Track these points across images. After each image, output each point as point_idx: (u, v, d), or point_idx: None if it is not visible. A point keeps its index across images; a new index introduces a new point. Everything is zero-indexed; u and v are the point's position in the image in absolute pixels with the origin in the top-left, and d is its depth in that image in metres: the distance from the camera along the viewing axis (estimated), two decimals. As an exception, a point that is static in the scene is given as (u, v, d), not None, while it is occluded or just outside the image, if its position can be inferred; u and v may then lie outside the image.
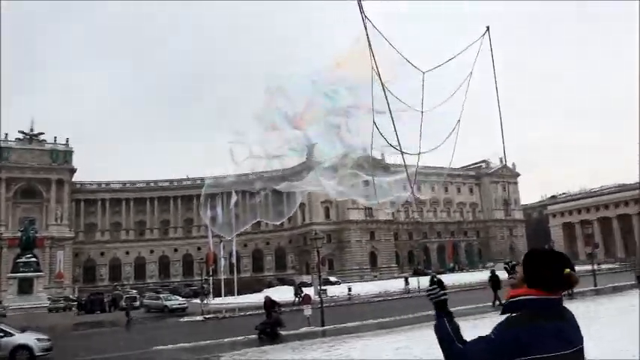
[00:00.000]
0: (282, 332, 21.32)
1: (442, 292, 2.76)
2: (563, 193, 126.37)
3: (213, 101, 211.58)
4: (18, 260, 66.58)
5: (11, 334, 18.37)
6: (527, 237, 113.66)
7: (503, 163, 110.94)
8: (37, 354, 18.09)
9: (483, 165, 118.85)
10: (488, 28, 5.27)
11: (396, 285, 50.15)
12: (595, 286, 34.30)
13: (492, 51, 5.18)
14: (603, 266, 59.34)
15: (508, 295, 2.62)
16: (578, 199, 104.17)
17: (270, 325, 20.64)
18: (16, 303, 57.35)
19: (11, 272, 67.03)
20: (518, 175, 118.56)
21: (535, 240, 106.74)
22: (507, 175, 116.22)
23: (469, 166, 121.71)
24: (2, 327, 19.07)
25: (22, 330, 19.77)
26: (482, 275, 46.88)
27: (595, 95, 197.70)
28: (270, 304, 22.06)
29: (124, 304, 39.14)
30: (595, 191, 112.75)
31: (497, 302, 26.32)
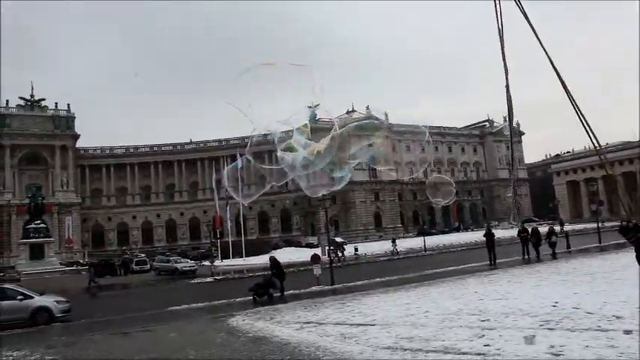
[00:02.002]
0: (295, 291, 21.81)
1: None
2: (568, 152, 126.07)
3: (217, 65, 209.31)
4: (27, 226, 67.51)
5: (31, 297, 18.87)
6: (532, 196, 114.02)
7: (507, 121, 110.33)
8: (57, 315, 18.63)
9: (487, 124, 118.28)
10: None
11: (400, 245, 50.73)
12: (600, 242, 34.71)
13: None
14: (607, 224, 59.56)
15: None
16: (583, 157, 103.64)
17: (263, 287, 20.85)
18: (28, 268, 58.50)
19: (22, 238, 68.06)
20: (522, 133, 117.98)
21: (539, 199, 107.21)
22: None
23: (473, 125, 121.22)
24: (22, 290, 19.58)
25: (41, 293, 20.29)
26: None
27: (600, 55, 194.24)
28: (274, 262, 22.34)
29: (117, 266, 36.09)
30: (600, 150, 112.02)
31: (493, 261, 26.88)
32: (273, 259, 22.84)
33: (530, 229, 30.48)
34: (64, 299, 20.08)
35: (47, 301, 19.23)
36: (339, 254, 42.60)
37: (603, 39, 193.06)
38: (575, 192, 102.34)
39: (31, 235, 65.85)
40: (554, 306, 12.24)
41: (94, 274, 34.86)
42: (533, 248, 28.68)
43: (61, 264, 64.89)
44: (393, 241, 48.27)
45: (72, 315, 19.39)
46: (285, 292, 21.39)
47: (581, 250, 31.27)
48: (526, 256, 28.27)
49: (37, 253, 64.36)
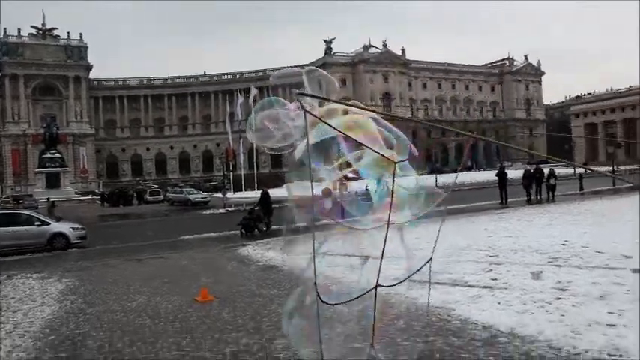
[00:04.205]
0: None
1: None
2: (589, 94, 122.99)
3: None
4: (43, 156, 68.53)
5: (48, 223, 19.34)
6: (548, 137, 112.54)
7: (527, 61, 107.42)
8: (73, 241, 19.13)
9: (506, 63, 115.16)
10: None
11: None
12: (614, 185, 34.41)
13: None
14: (622, 167, 58.65)
15: None
16: (604, 99, 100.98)
17: (252, 221, 20.86)
18: (45, 196, 59.69)
19: (38, 167, 69.19)
20: (542, 73, 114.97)
21: (555, 141, 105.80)
22: (531, 74, 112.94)
23: (492, 63, 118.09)
24: (40, 217, 20.05)
25: (58, 220, 20.75)
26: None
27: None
28: (265, 196, 22.12)
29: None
30: (622, 92, 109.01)
31: (505, 200, 26.81)
32: (264, 193, 22.58)
33: (532, 170, 29.99)
34: (79, 226, 20.56)
35: (64, 227, 19.71)
36: None
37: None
38: (593, 134, 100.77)
39: (47, 164, 66.92)
40: (563, 244, 12.23)
41: (51, 206, 34.99)
42: (524, 189, 28.40)
43: (76, 193, 66.16)
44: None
45: (87, 241, 19.91)
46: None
47: (594, 192, 31.08)
48: (538, 197, 28.20)
49: (53, 182, 65.63)
